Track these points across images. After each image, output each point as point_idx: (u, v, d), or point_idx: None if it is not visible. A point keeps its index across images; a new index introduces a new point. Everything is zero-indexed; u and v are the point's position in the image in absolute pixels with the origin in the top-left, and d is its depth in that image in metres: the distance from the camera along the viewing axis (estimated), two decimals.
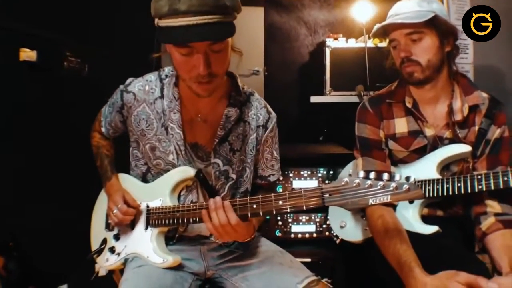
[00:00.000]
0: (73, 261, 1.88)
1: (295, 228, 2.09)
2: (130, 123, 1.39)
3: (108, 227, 1.50)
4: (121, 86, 1.40)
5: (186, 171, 1.35)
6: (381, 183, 0.97)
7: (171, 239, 1.43)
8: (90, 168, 1.95)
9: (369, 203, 0.96)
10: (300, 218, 2.08)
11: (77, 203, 2.00)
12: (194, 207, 1.27)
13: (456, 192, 1.42)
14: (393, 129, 1.56)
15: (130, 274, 1.31)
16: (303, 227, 2.08)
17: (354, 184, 0.99)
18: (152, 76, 1.39)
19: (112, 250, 1.46)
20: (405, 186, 0.95)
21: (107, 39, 2.20)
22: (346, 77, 2.46)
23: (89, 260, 1.54)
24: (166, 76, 1.38)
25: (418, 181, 1.45)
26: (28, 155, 1.85)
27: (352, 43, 2.46)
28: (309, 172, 2.05)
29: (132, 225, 1.43)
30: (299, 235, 2.09)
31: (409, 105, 1.53)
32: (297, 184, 2.06)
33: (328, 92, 2.49)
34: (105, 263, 1.48)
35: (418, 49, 1.43)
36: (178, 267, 1.36)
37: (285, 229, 2.08)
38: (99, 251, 1.50)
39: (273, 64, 2.55)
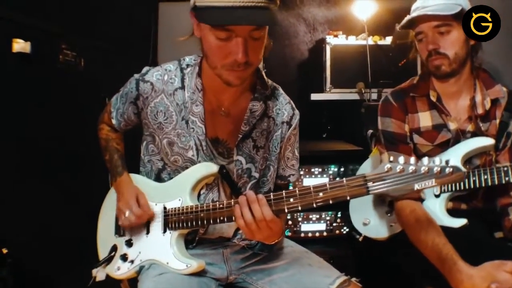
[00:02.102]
0: (70, 269, 1.70)
1: (305, 227, 1.95)
2: (145, 116, 1.21)
3: (119, 232, 1.31)
4: (136, 75, 1.22)
5: (209, 167, 1.18)
6: (424, 167, 0.89)
7: (190, 242, 1.25)
8: (88, 166, 1.75)
9: (415, 188, 0.88)
10: (310, 216, 1.95)
11: (75, 205, 1.81)
12: (221, 205, 1.10)
13: (483, 185, 1.37)
14: (417, 123, 1.47)
15: (150, 283, 1.13)
16: (313, 226, 1.95)
17: (398, 170, 0.90)
18: (171, 66, 1.22)
19: (124, 257, 1.26)
20: (448, 169, 0.88)
21: (104, 34, 2.00)
22: (346, 75, 2.35)
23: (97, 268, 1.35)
24: (188, 65, 1.21)
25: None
26: (20, 152, 1.62)
27: (353, 41, 2.36)
28: (320, 170, 1.92)
29: (147, 228, 1.24)
30: (309, 234, 1.95)
31: (433, 99, 1.45)
32: (308, 182, 1.92)
33: (328, 90, 2.37)
34: (115, 272, 1.28)
35: (446, 42, 1.36)
36: (200, 273, 1.19)
37: (295, 228, 1.94)
38: (109, 260, 1.30)
39: (272, 61, 2.41)
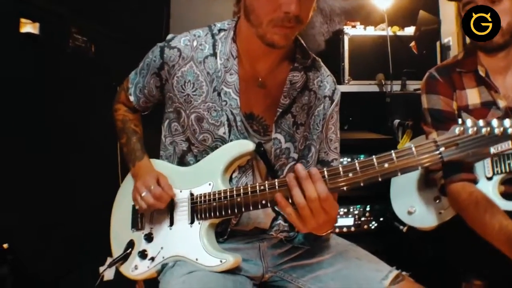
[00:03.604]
0: (74, 268, 1.53)
1: None
2: (170, 88, 1.00)
3: (136, 226, 1.08)
4: (160, 43, 1.01)
5: (244, 145, 0.97)
6: (498, 128, 0.74)
7: (220, 235, 1.03)
8: (96, 159, 1.52)
9: (491, 152, 0.75)
10: (338, 211, 1.72)
11: (81, 198, 1.58)
12: (262, 187, 0.87)
13: None
14: (465, 100, 1.28)
15: (178, 284, 0.90)
16: (341, 221, 1.74)
17: (471, 132, 0.75)
18: (200, 31, 1.02)
19: (143, 254, 1.04)
20: None
21: (116, 22, 1.81)
22: (365, 66, 2.16)
23: (111, 268, 1.12)
24: (220, 30, 1.01)
25: None
26: (26, 141, 1.40)
27: (371, 31, 2.18)
28: (349, 159, 1.71)
29: (170, 219, 1.02)
30: (336, 230, 1.74)
31: (482, 74, 1.26)
32: None
33: (347, 81, 2.18)
34: (132, 271, 1.05)
35: (499, 11, 1.17)
36: (234, 270, 0.96)
37: None
38: (124, 257, 1.07)
39: None
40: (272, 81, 1.01)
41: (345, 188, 0.80)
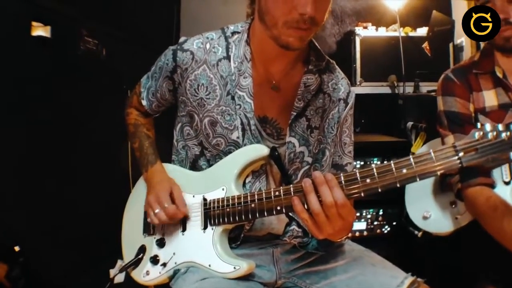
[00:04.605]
0: (85, 271, 1.50)
1: None
2: (183, 91, 0.98)
3: (148, 231, 1.07)
4: (172, 46, 1.00)
5: (259, 149, 0.95)
6: None
7: (233, 241, 1.01)
8: (107, 163, 1.51)
9: (511, 157, 0.72)
10: None
11: (93, 201, 1.57)
12: (277, 193, 0.86)
13: None
14: (482, 103, 1.24)
15: None
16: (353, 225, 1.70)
17: (491, 137, 0.73)
18: (213, 34, 1.00)
19: (154, 260, 1.02)
20: None
21: (127, 24, 1.80)
22: (377, 67, 2.14)
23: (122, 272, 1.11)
24: (234, 33, 0.99)
25: None
26: (38, 143, 1.40)
27: (383, 32, 2.15)
28: (361, 163, 1.68)
29: (182, 225, 1.01)
30: (349, 234, 1.70)
31: (500, 75, 1.22)
32: None
33: (358, 83, 2.15)
34: (144, 277, 1.04)
35: None
36: (248, 277, 0.94)
37: None
38: (136, 262, 1.06)
39: None
40: (286, 83, 0.99)
41: (362, 194, 0.78)
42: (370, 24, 2.16)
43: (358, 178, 0.78)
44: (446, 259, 1.41)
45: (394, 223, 1.71)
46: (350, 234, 1.72)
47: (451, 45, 2.13)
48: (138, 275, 1.05)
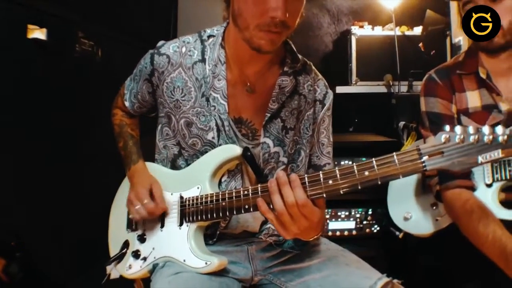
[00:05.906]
0: (83, 268, 1.54)
1: (332, 225, 1.71)
2: (161, 93, 1.02)
3: (131, 226, 1.11)
4: (150, 50, 1.03)
5: (231, 149, 0.97)
6: (488, 136, 0.70)
7: (210, 237, 1.04)
8: (103, 164, 1.56)
9: (478, 161, 0.71)
10: (339, 213, 1.71)
11: (92, 201, 1.61)
12: (246, 192, 0.88)
13: None
14: (465, 103, 1.23)
15: (164, 284, 0.92)
16: (342, 224, 1.71)
17: (458, 140, 0.71)
18: (190, 38, 1.03)
19: (136, 254, 1.06)
20: None
21: (123, 25, 1.84)
22: (373, 67, 2.13)
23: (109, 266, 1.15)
24: (209, 36, 1.02)
25: None
26: (36, 145, 1.45)
27: (379, 31, 2.13)
28: (350, 163, 1.68)
29: (161, 221, 1.04)
30: (337, 233, 1.71)
31: (483, 76, 1.20)
32: None
33: (354, 82, 2.15)
34: (127, 270, 1.08)
35: (500, 10, 1.11)
36: (222, 272, 0.97)
37: None
38: (120, 257, 1.10)
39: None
40: (261, 85, 1.01)
41: (324, 195, 0.79)
42: (366, 23, 2.15)
43: (321, 179, 0.80)
44: (429, 261, 1.40)
45: (384, 223, 1.71)
46: (338, 233, 1.74)
47: (448, 44, 2.10)
48: (122, 269, 1.10)
